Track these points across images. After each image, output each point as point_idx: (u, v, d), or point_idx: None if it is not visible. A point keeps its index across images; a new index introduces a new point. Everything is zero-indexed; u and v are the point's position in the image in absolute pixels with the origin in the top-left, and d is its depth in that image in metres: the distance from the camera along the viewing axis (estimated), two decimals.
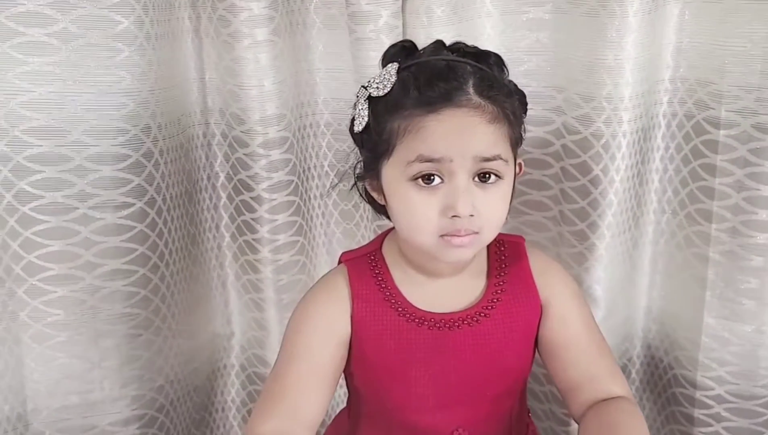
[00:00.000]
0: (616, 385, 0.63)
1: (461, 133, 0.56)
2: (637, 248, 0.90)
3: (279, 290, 0.92)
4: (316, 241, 0.96)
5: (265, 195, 0.88)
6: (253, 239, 0.91)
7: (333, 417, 0.78)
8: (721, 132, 0.81)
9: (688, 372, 0.89)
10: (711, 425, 0.88)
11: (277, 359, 0.63)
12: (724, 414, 0.87)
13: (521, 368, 0.65)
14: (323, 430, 0.76)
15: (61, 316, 0.82)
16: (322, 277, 0.68)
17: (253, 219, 0.90)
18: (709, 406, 0.88)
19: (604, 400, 0.61)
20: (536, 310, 0.64)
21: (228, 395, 1.01)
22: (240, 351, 0.99)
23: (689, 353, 0.89)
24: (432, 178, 0.57)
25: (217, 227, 0.95)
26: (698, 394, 0.88)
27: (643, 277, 0.92)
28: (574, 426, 0.85)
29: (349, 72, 0.88)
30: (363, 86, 0.61)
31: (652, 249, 0.91)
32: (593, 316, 0.66)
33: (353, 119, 0.62)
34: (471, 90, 0.56)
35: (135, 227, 0.82)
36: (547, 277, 0.65)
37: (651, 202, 0.89)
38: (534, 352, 0.66)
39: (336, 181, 0.90)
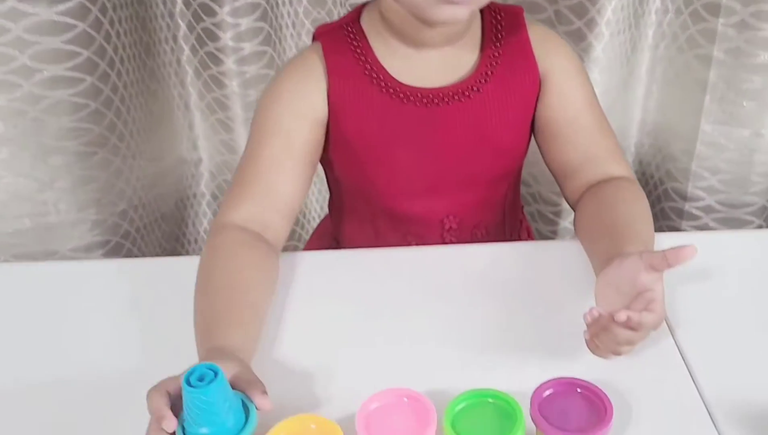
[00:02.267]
0: (618, 166, 0.56)
1: None
2: (635, 52, 0.81)
3: (246, 108, 0.83)
4: (285, 49, 0.85)
5: None
6: (216, 49, 0.79)
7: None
8: None
9: (679, 184, 0.84)
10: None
11: (247, 144, 0.55)
12: (712, 224, 0.84)
13: (516, 149, 0.58)
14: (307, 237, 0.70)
15: (0, 129, 0.72)
16: (294, 56, 0.59)
17: (214, 24, 0.78)
18: (697, 217, 0.84)
19: (604, 181, 0.56)
20: (534, 84, 0.56)
21: (200, 226, 0.94)
22: (210, 178, 0.90)
23: (682, 165, 0.83)
24: None
25: (175, 38, 0.83)
26: (687, 206, 0.84)
27: (639, 86, 0.84)
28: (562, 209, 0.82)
29: None
30: None
31: (651, 54, 0.83)
32: (596, 95, 0.59)
33: None
34: None
35: (76, 26, 0.70)
36: (548, 49, 0.56)
37: (654, 1, 0.80)
38: (530, 133, 0.59)
39: None
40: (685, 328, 0.48)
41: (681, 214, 0.85)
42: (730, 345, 0.47)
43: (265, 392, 0.39)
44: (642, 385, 0.44)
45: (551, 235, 0.88)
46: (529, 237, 0.68)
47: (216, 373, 0.37)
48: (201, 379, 0.37)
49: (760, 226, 0.84)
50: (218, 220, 0.52)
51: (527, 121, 0.57)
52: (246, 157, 0.54)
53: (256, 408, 0.39)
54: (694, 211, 0.84)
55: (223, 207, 0.53)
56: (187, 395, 0.36)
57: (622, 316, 0.40)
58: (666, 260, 0.41)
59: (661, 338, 0.48)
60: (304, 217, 0.89)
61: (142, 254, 0.84)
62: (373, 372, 0.45)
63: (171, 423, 0.37)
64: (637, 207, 0.52)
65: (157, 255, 0.87)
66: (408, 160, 0.55)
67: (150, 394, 0.38)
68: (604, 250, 0.47)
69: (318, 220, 0.87)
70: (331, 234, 0.65)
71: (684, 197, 0.84)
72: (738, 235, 0.67)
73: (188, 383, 0.36)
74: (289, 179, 0.53)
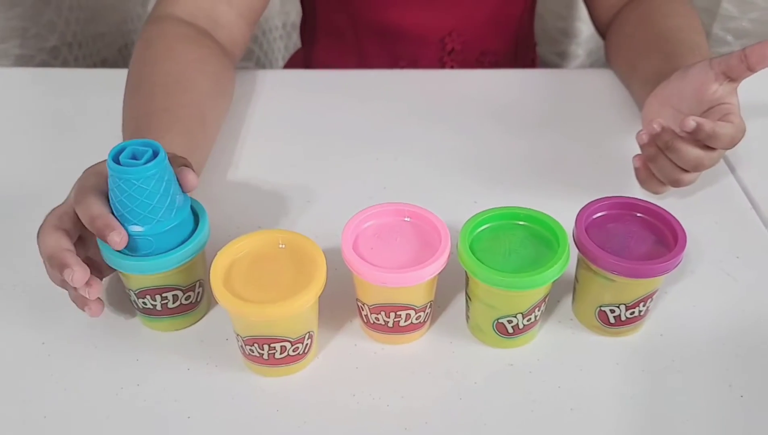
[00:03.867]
0: None
1: None
2: None
3: None
4: None
5: None
6: None
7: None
8: None
9: None
10: None
11: None
12: None
13: None
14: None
15: None
16: None
17: None
18: None
19: None
20: None
21: None
22: None
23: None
24: None
25: None
26: None
27: None
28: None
29: None
30: None
31: None
32: None
33: None
34: None
35: None
36: None
37: None
38: None
39: None
40: (747, 166, 0.38)
41: None
42: None
43: (188, 165, 0.27)
44: (703, 225, 0.34)
45: None
46: None
47: (156, 153, 0.25)
48: (134, 159, 0.25)
49: None
50: (155, 11, 0.39)
51: None
52: None
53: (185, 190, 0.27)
54: None
55: None
56: (115, 178, 0.25)
57: (691, 122, 0.29)
58: (746, 61, 0.30)
59: (720, 177, 0.37)
60: (263, 34, 0.74)
61: None
62: (362, 195, 0.34)
63: (83, 272, 0.25)
64: (693, 20, 0.40)
65: None
66: None
67: (42, 234, 0.26)
68: (654, 67, 0.36)
69: (281, 42, 0.73)
70: (303, 58, 0.52)
71: None
72: None
73: (116, 162, 0.25)
74: None
